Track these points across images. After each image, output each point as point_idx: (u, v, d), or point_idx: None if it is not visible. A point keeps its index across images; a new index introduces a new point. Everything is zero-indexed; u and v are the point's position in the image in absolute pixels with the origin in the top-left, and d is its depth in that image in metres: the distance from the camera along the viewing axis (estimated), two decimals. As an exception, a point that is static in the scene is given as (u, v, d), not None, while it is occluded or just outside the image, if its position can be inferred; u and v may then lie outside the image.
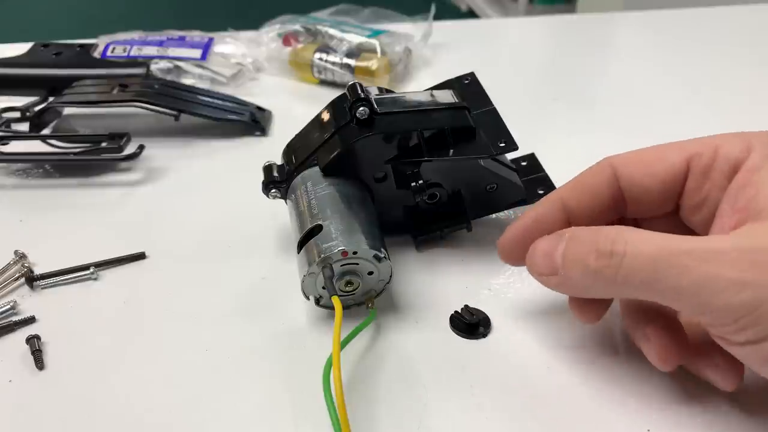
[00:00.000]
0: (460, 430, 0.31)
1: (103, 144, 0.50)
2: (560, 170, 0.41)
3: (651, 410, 0.31)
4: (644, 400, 0.32)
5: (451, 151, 0.38)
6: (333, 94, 0.48)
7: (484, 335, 0.35)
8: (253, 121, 0.56)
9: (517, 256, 0.33)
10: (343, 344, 0.32)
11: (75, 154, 0.50)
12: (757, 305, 0.25)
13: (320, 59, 0.63)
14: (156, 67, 0.63)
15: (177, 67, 0.64)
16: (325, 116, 0.40)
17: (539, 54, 0.75)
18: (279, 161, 0.41)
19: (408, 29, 0.69)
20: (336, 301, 0.33)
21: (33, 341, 0.35)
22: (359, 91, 0.38)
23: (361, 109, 0.37)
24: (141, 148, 0.50)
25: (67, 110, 0.58)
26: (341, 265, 0.34)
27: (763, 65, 0.67)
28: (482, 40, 0.76)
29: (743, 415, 0.31)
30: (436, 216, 0.41)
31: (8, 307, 0.37)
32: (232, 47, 0.67)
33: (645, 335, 0.31)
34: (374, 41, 0.64)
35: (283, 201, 0.40)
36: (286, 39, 0.66)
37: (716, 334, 0.27)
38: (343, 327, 0.31)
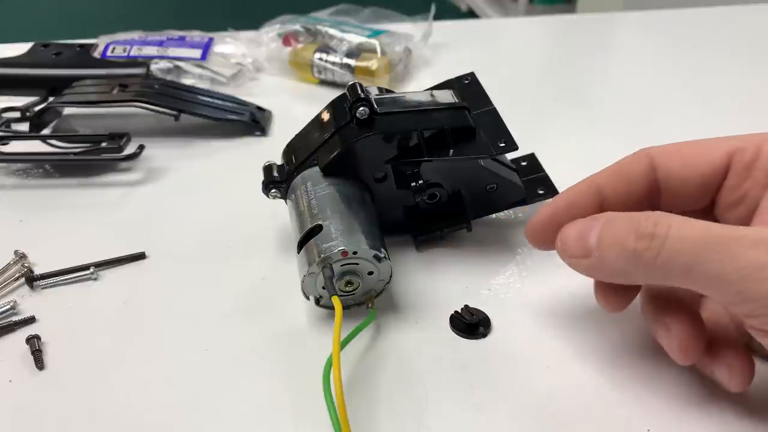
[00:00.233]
0: (460, 430, 0.31)
1: (103, 144, 0.50)
2: (560, 170, 0.41)
3: (651, 410, 0.31)
4: (644, 400, 0.32)
5: (451, 151, 0.38)
6: (333, 94, 0.48)
7: (484, 335, 0.35)
8: (253, 121, 0.56)
9: (545, 239, 0.33)
10: (343, 344, 0.32)
11: (75, 154, 0.50)
12: None
13: (320, 59, 0.63)
14: (156, 67, 0.63)
15: (177, 67, 0.64)
16: (325, 116, 0.40)
17: (539, 54, 0.75)
18: (279, 161, 0.41)
19: (408, 29, 0.69)
20: (336, 301, 0.33)
21: (33, 341, 0.35)
22: (359, 91, 0.38)
23: (361, 109, 0.37)
24: (141, 148, 0.50)
25: (67, 110, 0.58)
26: (341, 265, 0.34)
27: (763, 65, 0.67)
28: (482, 40, 0.76)
29: (743, 415, 0.31)
30: (436, 216, 0.41)
31: (8, 307, 0.37)
32: (232, 47, 0.68)
33: (666, 326, 0.30)
34: (374, 41, 0.64)
35: (283, 201, 0.40)
36: (286, 39, 0.66)
37: (754, 325, 0.27)
38: (343, 327, 0.31)
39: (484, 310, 0.36)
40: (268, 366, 0.34)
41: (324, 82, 0.64)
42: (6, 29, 2.49)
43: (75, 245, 0.42)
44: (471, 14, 2.65)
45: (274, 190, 0.40)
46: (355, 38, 0.64)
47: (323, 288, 0.35)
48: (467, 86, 0.43)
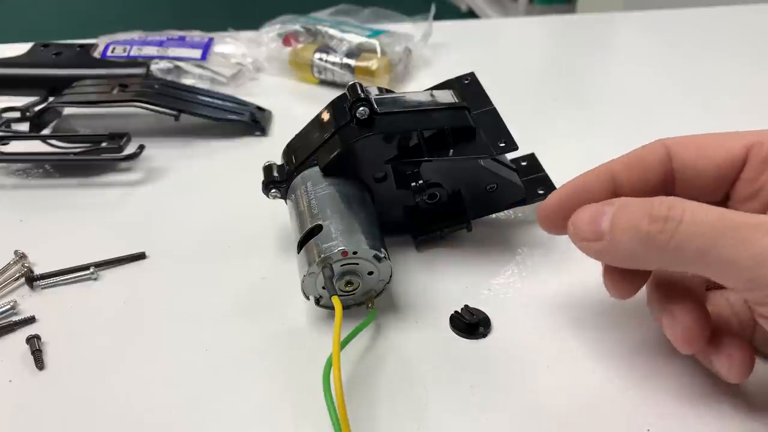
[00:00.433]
0: (460, 430, 0.31)
1: (103, 144, 0.50)
2: (560, 170, 0.41)
3: (651, 410, 0.31)
4: (644, 400, 0.32)
5: (451, 151, 0.38)
6: (333, 94, 0.48)
7: (484, 335, 0.35)
8: (253, 121, 0.56)
9: (557, 222, 0.33)
10: (343, 344, 0.32)
11: (75, 154, 0.50)
12: None
13: (320, 59, 0.63)
14: (156, 67, 0.63)
15: (177, 67, 0.64)
16: (325, 116, 0.40)
17: (539, 54, 0.75)
18: (279, 161, 0.41)
19: (408, 29, 0.69)
20: (336, 301, 0.33)
21: (33, 341, 0.35)
22: (359, 91, 0.38)
23: (361, 109, 0.37)
24: (141, 148, 0.50)
25: (67, 110, 0.58)
26: (341, 265, 0.34)
27: (763, 65, 0.67)
28: (482, 40, 0.76)
29: (743, 415, 0.31)
30: (436, 216, 0.41)
31: (8, 307, 0.37)
32: (232, 47, 0.68)
33: (671, 313, 0.30)
34: (374, 41, 0.64)
35: (283, 201, 0.40)
36: (286, 39, 0.66)
37: (764, 312, 0.27)
38: (343, 327, 0.31)
39: (484, 310, 0.36)
40: (268, 366, 0.34)
41: (324, 82, 0.64)
42: (6, 29, 2.49)
43: (75, 245, 0.42)
44: (471, 14, 2.65)
45: (274, 190, 0.40)
46: (355, 38, 0.64)
47: (323, 288, 0.35)
48: (467, 86, 0.43)
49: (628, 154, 0.33)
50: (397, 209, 0.40)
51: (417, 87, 0.63)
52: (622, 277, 0.32)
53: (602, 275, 0.33)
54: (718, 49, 0.71)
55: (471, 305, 0.36)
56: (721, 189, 0.32)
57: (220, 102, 0.57)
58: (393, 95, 0.40)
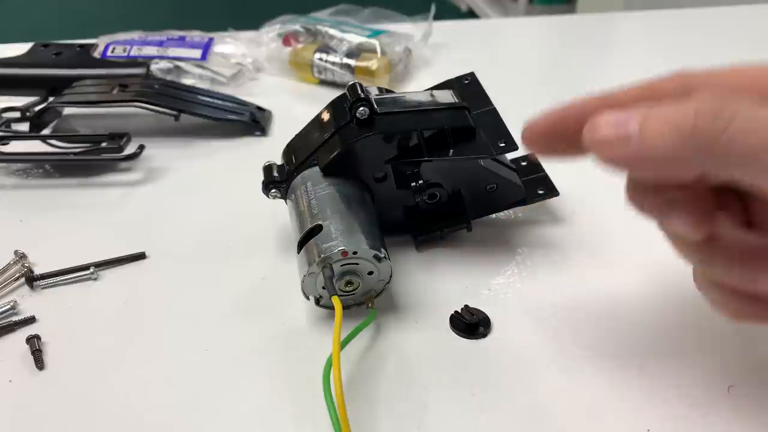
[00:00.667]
0: (460, 430, 0.31)
1: (103, 144, 0.50)
2: (560, 170, 0.41)
3: (651, 410, 0.31)
4: (644, 400, 0.32)
5: (451, 151, 0.38)
6: (333, 94, 0.48)
7: (484, 335, 0.35)
8: (253, 121, 0.56)
9: (551, 137, 0.30)
10: (343, 344, 0.32)
11: (75, 154, 0.50)
12: None
13: (320, 59, 0.63)
14: (156, 67, 0.63)
15: (177, 67, 0.64)
16: (325, 116, 0.40)
17: (539, 54, 0.75)
18: (279, 161, 0.41)
19: (408, 29, 0.69)
20: (336, 301, 0.33)
21: (33, 341, 0.35)
22: (359, 91, 0.38)
23: (361, 109, 0.37)
24: (141, 148, 0.50)
25: (67, 110, 0.58)
26: (341, 265, 0.34)
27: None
28: (482, 40, 0.76)
29: (743, 415, 0.31)
30: (436, 216, 0.41)
31: (8, 307, 0.37)
32: (232, 47, 0.68)
33: (671, 201, 0.27)
34: (374, 41, 0.64)
35: (283, 201, 0.40)
36: (286, 39, 0.66)
37: None
38: (343, 327, 0.31)
39: (484, 310, 0.36)
40: (268, 366, 0.34)
41: (324, 82, 0.64)
42: (6, 29, 2.49)
43: (75, 245, 0.42)
44: (471, 14, 2.65)
45: (274, 190, 0.40)
46: (355, 38, 0.64)
47: (323, 288, 0.35)
48: (467, 86, 0.43)
49: (640, 83, 0.30)
50: (397, 209, 0.40)
51: (417, 87, 0.63)
52: (650, 194, 0.28)
53: (624, 190, 0.29)
54: (718, 49, 0.71)
55: (471, 305, 0.36)
56: None
57: (220, 102, 0.57)
58: (393, 95, 0.40)
